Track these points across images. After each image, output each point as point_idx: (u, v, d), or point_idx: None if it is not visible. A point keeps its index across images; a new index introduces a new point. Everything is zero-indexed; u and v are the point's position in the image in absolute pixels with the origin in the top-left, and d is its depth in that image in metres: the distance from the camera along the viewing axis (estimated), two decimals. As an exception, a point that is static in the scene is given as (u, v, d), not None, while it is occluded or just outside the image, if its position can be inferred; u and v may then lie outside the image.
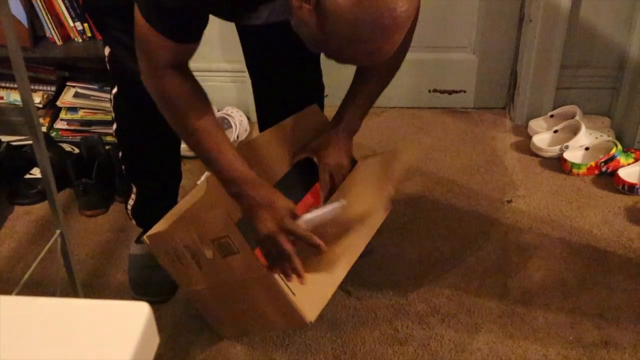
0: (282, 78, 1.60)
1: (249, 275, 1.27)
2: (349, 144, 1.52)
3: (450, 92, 2.33)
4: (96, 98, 2.10)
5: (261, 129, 1.72)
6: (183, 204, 1.43)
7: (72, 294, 1.32)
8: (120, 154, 1.63)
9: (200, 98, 1.27)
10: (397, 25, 1.02)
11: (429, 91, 2.33)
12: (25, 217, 1.91)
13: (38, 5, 2.00)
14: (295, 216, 1.26)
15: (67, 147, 2.08)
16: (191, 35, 1.21)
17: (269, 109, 1.69)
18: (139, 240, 1.69)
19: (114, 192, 1.94)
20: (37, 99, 2.15)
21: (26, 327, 0.62)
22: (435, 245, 1.74)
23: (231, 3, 1.20)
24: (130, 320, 0.70)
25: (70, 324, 0.65)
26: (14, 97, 2.16)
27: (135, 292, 1.61)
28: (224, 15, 1.27)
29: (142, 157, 1.59)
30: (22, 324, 0.62)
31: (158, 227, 1.36)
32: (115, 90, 1.50)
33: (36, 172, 1.99)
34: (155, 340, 0.73)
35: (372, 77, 1.48)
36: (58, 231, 1.20)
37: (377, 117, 2.28)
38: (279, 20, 1.18)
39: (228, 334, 1.49)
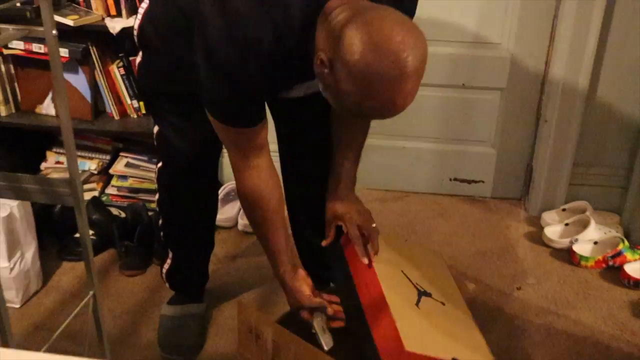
0: (308, 149, 1.60)
1: None
2: (354, 195, 1.52)
3: (469, 182, 2.36)
4: (145, 168, 2.18)
5: (289, 208, 1.71)
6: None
7: (99, 351, 1.34)
8: (160, 221, 1.69)
9: (278, 196, 1.36)
10: (406, 75, 1.02)
11: (450, 179, 2.36)
12: (71, 272, 1.96)
13: (102, 84, 2.11)
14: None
15: (114, 211, 2.15)
16: (255, 117, 1.27)
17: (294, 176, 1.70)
18: (170, 302, 1.73)
19: (152, 256, 1.99)
20: (94, 165, 2.25)
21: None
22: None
23: (276, 84, 1.25)
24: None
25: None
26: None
27: (163, 350, 1.63)
28: (271, 94, 1.32)
29: (180, 227, 1.64)
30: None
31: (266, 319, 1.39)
32: (160, 164, 1.57)
33: (85, 232, 2.06)
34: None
35: (357, 130, 1.47)
36: (91, 292, 1.25)
37: (400, 200, 2.31)
38: (314, 92, 1.24)
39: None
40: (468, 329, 1.44)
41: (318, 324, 1.38)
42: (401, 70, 1.01)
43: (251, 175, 1.32)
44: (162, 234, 1.69)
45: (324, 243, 1.48)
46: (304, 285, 1.38)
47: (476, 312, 1.77)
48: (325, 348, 1.33)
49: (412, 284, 1.43)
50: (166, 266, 1.70)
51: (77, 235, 2.05)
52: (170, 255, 1.68)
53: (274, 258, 1.39)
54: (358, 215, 1.45)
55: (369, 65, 1.01)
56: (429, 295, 1.43)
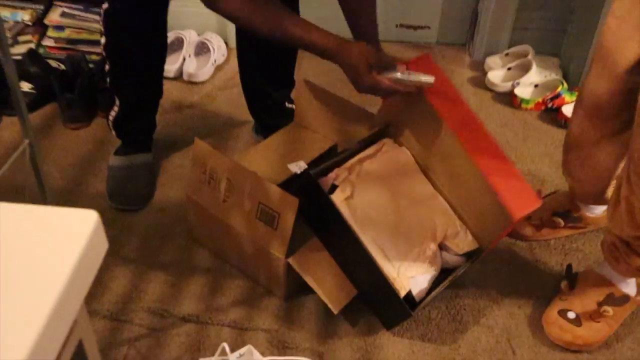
0: None
1: (266, 249, 1.24)
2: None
3: (415, 28, 2.25)
4: (81, 18, 1.99)
5: (239, 55, 1.65)
6: (270, 144, 1.40)
7: (41, 202, 1.26)
8: (106, 67, 1.55)
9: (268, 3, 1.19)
10: None
11: (396, 26, 2.24)
12: (12, 127, 1.83)
13: None
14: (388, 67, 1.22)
15: (53, 64, 1.98)
16: None
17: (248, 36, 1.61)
18: (118, 152, 1.64)
19: (96, 107, 1.86)
20: (27, 16, 2.04)
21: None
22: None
23: None
24: (77, 226, 0.65)
25: (14, 228, 0.61)
26: (4, 13, 2.04)
27: (113, 200, 1.56)
28: None
29: (127, 71, 1.52)
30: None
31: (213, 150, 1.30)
32: (105, 5, 1.41)
33: (23, 86, 1.90)
34: (103, 247, 0.68)
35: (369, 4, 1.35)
36: (27, 141, 1.14)
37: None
38: None
39: (203, 243, 1.46)
40: None
41: (403, 71, 1.23)
42: None
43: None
44: (108, 80, 1.56)
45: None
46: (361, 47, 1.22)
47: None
48: (431, 81, 1.21)
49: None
50: (113, 114, 1.59)
51: (16, 88, 1.90)
52: (117, 102, 1.57)
53: (315, 41, 1.21)
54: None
55: None
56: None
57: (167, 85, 1.94)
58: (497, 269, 1.44)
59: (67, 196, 1.59)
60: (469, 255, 1.31)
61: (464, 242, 1.29)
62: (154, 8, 1.43)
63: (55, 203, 1.31)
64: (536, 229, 1.51)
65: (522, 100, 1.96)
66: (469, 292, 1.38)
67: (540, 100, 1.96)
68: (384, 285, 1.18)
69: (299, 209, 1.17)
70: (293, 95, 1.70)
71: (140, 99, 1.58)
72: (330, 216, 1.22)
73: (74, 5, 1.99)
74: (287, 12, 1.20)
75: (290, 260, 1.22)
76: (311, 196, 1.18)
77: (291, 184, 1.34)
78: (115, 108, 1.58)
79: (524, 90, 1.99)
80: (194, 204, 1.37)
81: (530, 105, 1.96)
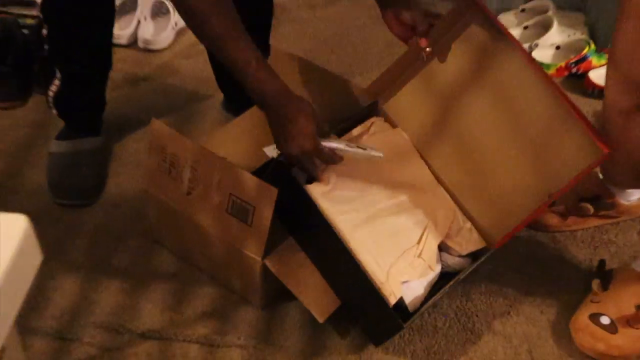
0: None
1: (239, 249, 1.23)
2: None
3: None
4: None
5: None
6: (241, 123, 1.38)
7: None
8: (44, 31, 1.52)
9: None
10: None
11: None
12: None
13: None
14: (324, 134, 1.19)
15: (-20, 30, 1.94)
16: None
17: None
18: (60, 136, 1.61)
19: (33, 82, 1.82)
20: (-55, -28, 1.99)
21: None
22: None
23: None
24: (2, 234, 0.63)
25: None
26: None
27: (55, 194, 1.53)
28: None
29: (69, 36, 1.49)
30: None
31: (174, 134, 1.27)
32: None
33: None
34: (36, 257, 0.66)
35: None
36: None
37: (331, 5, 2.18)
38: None
39: (166, 243, 1.44)
40: None
41: (345, 143, 1.23)
42: None
43: None
44: (47, 47, 1.53)
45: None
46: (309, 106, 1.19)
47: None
48: (380, 154, 1.21)
49: None
50: (53, 88, 1.56)
51: None
52: (58, 74, 1.54)
53: (260, 77, 1.16)
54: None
55: None
56: None
57: (118, 54, 1.92)
58: (515, 266, 1.43)
59: (1, 191, 1.56)
60: (473, 257, 1.29)
61: (468, 241, 1.29)
62: None
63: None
64: (561, 218, 1.50)
65: (542, 65, 1.94)
66: (481, 295, 1.37)
67: (562, 64, 1.94)
68: (370, 291, 1.16)
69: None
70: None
71: (86, 70, 1.55)
72: (306, 212, 1.21)
73: (3, -42, 1.94)
74: (246, 35, 1.15)
75: (266, 261, 1.21)
76: (284, 188, 1.16)
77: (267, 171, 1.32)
78: (56, 81, 1.55)
79: (543, 53, 1.97)
80: (152, 197, 1.35)
81: (552, 71, 1.95)
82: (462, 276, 1.25)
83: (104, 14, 1.51)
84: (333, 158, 1.19)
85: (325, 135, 1.19)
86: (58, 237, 1.45)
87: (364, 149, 1.22)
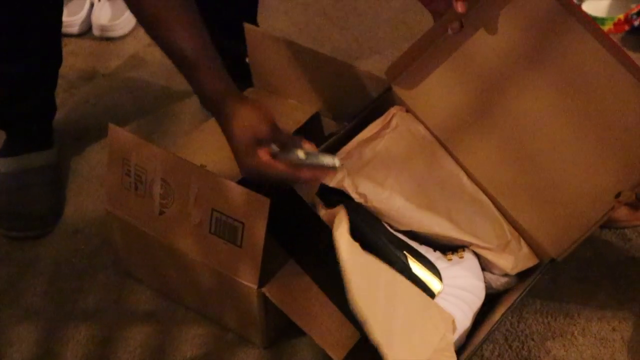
0: None
1: (229, 276, 1.22)
2: None
3: None
4: None
5: None
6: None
7: None
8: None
9: None
10: None
11: None
12: None
13: None
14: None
15: None
16: None
17: None
18: (3, 153, 1.62)
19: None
20: None
21: None
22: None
23: None
24: None
25: None
26: None
27: (2, 226, 1.55)
28: None
29: (8, 25, 1.49)
30: None
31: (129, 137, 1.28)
32: None
33: None
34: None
35: None
36: None
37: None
38: None
39: (139, 276, 1.45)
40: None
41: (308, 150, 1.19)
42: None
43: None
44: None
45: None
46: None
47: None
48: (337, 164, 1.16)
49: None
50: None
51: None
52: None
53: (201, 77, 1.15)
54: None
55: None
56: None
57: (70, 47, 1.94)
58: (576, 274, 1.42)
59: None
60: (521, 275, 1.29)
61: (517, 257, 1.28)
62: None
63: None
64: (631, 210, 1.49)
65: (596, 20, 1.94)
66: (536, 314, 1.36)
67: (621, 17, 1.94)
68: None
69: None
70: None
71: (29, 70, 1.56)
72: (314, 230, 1.21)
73: None
74: (188, 17, 1.14)
75: (265, 290, 1.21)
76: (285, 207, 1.16)
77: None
78: (-5, 87, 1.56)
79: (595, 4, 1.98)
80: (116, 220, 1.35)
81: (608, 27, 1.95)
82: (516, 301, 1.24)
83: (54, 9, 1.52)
84: (284, 175, 1.13)
85: (286, 145, 1.16)
86: (9, 278, 1.46)
87: (324, 158, 1.17)
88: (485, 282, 1.28)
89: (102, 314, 1.40)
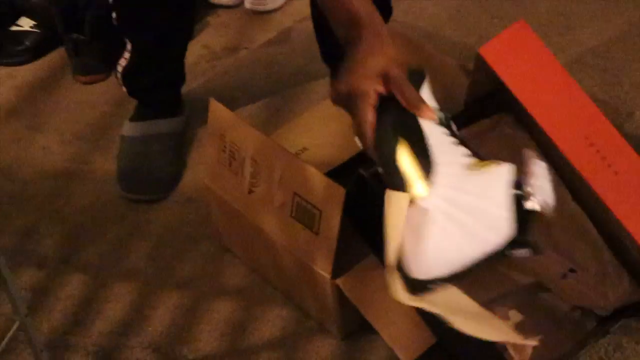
0: None
1: (306, 263, 1.23)
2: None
3: None
4: None
5: None
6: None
7: None
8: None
9: None
10: None
11: None
12: (8, 82, 1.94)
13: None
14: None
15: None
16: None
17: None
18: (133, 117, 1.68)
19: (118, 51, 1.91)
20: None
21: None
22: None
23: None
24: None
25: None
26: None
27: (122, 187, 1.60)
28: None
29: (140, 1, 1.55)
30: None
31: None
32: None
33: (24, 24, 2.00)
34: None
35: None
36: (17, 323, 1.14)
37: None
38: None
39: (235, 250, 1.46)
40: None
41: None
42: None
43: None
44: (113, 14, 1.61)
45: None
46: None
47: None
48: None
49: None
50: (123, 62, 1.64)
51: (14, 28, 2.00)
52: (129, 45, 1.61)
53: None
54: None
55: None
56: None
57: (220, 19, 1.97)
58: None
59: (66, 182, 1.65)
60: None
61: (616, 290, 1.18)
62: None
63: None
64: None
65: None
66: (636, 345, 1.26)
67: None
68: (487, 348, 1.10)
69: (349, 211, 1.13)
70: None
71: (158, 39, 1.60)
72: None
73: None
74: None
75: (340, 282, 1.18)
76: (362, 198, 1.13)
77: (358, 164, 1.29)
78: (126, 54, 1.61)
79: None
80: (213, 195, 1.37)
81: None
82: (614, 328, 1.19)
83: None
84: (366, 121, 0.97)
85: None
86: (120, 239, 1.52)
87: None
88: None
89: (195, 284, 1.42)
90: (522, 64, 1.23)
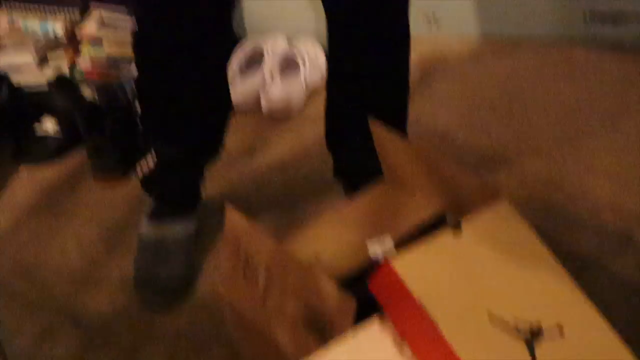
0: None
1: None
2: None
3: (614, 20, 2.17)
4: (124, 27, 2.11)
5: (330, 75, 1.67)
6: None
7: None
8: (138, 108, 1.65)
9: None
10: None
11: (585, 18, 2.20)
12: (30, 181, 1.98)
13: None
14: None
15: (89, 94, 2.11)
16: None
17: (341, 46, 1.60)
18: (151, 215, 1.69)
19: (136, 154, 1.94)
20: (59, 28, 2.19)
21: None
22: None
23: None
24: None
25: None
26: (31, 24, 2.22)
27: (137, 287, 1.62)
28: None
29: (166, 119, 1.59)
30: None
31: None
32: (136, 24, 1.51)
33: (49, 127, 2.04)
34: None
35: None
36: None
37: (505, 54, 2.16)
38: None
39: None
40: None
41: None
42: None
43: None
44: (141, 126, 1.67)
45: None
46: None
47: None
48: None
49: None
50: (145, 166, 1.66)
51: (41, 131, 2.05)
52: (153, 154, 1.64)
53: None
54: None
55: None
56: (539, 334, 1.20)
57: (238, 120, 2.00)
58: None
59: (83, 285, 1.67)
60: None
61: None
62: (206, 16, 1.45)
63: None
64: None
65: None
66: None
67: None
68: None
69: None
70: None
71: (187, 154, 1.63)
72: None
73: (113, 9, 2.13)
74: None
75: None
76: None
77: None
78: (150, 160, 1.64)
79: None
80: (227, 304, 1.37)
81: None
82: None
83: (212, 89, 1.59)
84: None
85: None
86: (133, 344, 1.52)
87: None
88: None
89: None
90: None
